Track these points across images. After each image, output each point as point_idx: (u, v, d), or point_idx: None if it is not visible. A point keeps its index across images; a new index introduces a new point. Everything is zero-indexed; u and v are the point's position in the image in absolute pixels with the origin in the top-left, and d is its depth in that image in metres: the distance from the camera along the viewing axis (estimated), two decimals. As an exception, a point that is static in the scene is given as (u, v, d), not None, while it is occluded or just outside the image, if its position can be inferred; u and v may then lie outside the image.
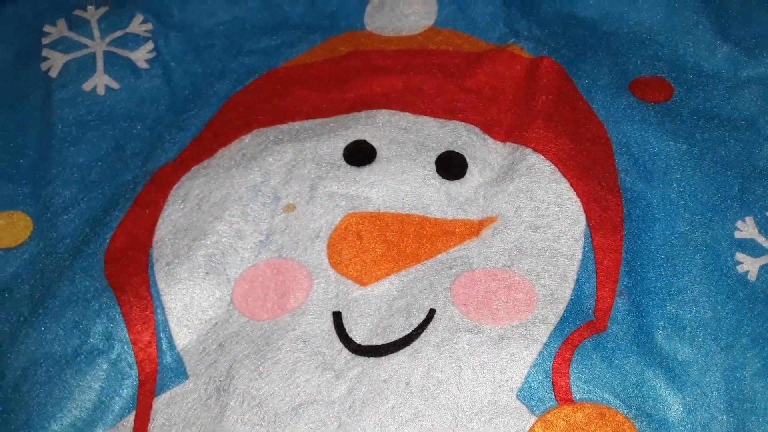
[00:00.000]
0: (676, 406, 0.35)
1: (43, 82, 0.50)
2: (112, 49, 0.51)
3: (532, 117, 0.45)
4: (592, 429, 0.33)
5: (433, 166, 0.43)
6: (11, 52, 0.52)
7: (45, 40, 0.52)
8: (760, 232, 0.40)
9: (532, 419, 0.34)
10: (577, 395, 0.34)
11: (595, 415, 0.34)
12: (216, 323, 0.39)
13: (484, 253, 0.40)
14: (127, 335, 0.38)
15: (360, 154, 0.43)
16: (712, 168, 0.43)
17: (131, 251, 0.41)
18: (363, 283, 0.39)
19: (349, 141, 0.44)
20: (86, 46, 0.51)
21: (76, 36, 0.52)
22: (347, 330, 0.37)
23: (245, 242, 0.41)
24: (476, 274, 0.39)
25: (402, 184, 0.42)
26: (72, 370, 0.37)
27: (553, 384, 0.35)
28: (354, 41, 0.52)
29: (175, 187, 0.44)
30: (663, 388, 0.35)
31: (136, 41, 0.52)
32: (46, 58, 0.51)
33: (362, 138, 0.44)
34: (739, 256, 0.39)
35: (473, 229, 0.41)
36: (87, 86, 0.50)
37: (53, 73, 0.50)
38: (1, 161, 0.47)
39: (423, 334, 0.37)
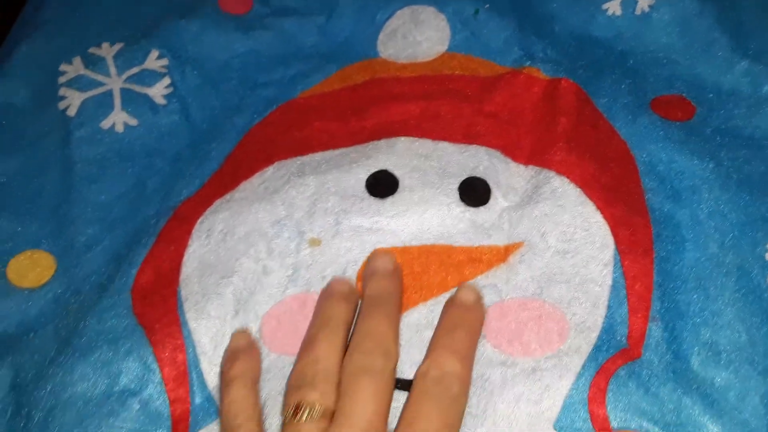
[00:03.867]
0: (716, 432, 0.34)
1: (62, 122, 0.50)
2: (129, 85, 0.51)
3: (554, 139, 0.44)
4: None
5: (456, 194, 0.43)
6: (28, 92, 0.52)
7: (61, 79, 0.52)
8: (790, 253, 0.40)
9: (572, 450, 0.34)
10: (615, 424, 0.34)
11: None
12: None
13: (513, 281, 0.39)
14: (160, 375, 0.37)
15: (382, 186, 0.43)
16: (739, 187, 0.42)
17: (159, 289, 0.41)
18: (391, 314, 0.39)
19: (371, 171, 0.44)
20: (103, 84, 0.52)
21: (93, 74, 0.52)
22: (378, 364, 0.37)
23: (272, 278, 0.41)
24: (506, 305, 0.38)
25: (426, 214, 0.42)
26: (103, 411, 0.37)
27: (590, 414, 0.34)
28: (369, 69, 0.52)
29: (198, 221, 0.43)
30: (702, 415, 0.34)
31: (152, 77, 0.52)
32: (63, 97, 0.51)
33: (384, 167, 0.44)
34: (772, 278, 0.39)
35: (500, 255, 0.40)
36: (105, 124, 0.50)
37: (71, 112, 0.50)
38: (22, 201, 0.47)
39: (455, 370, 0.36)
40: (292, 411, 0.33)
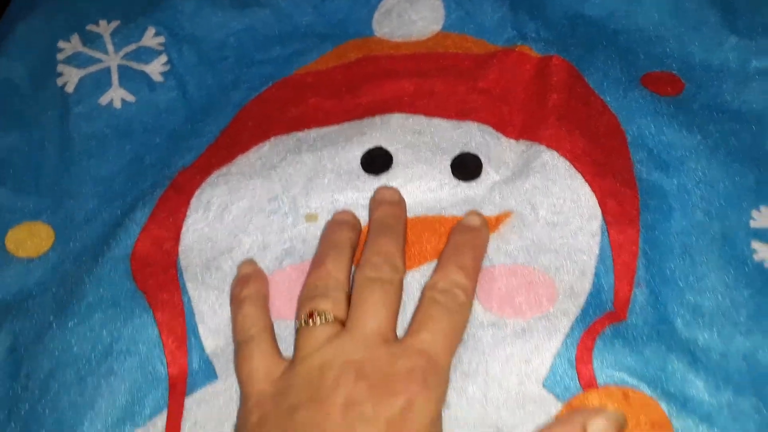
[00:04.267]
0: (701, 386, 0.35)
1: (60, 98, 0.51)
2: (127, 62, 0.52)
3: (545, 115, 0.45)
4: (618, 408, 0.34)
5: (449, 169, 0.44)
6: (27, 70, 0.53)
7: (60, 56, 0.53)
8: (775, 221, 0.41)
9: (560, 405, 0.34)
10: (601, 381, 0.35)
11: (620, 396, 0.34)
12: None
13: (503, 249, 0.40)
14: (159, 338, 0.38)
15: (377, 163, 0.44)
16: (726, 158, 0.43)
17: (158, 258, 0.42)
18: (384, 278, 0.40)
19: (366, 148, 0.45)
20: (101, 61, 0.52)
21: (90, 51, 0.53)
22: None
23: (269, 252, 0.42)
24: (497, 270, 0.39)
25: (419, 190, 0.43)
26: (102, 370, 0.37)
27: (577, 372, 0.35)
28: (364, 47, 0.53)
29: (196, 194, 0.44)
30: (686, 371, 0.35)
31: (149, 54, 0.53)
32: (61, 74, 0.52)
33: (378, 144, 0.45)
34: (755, 244, 0.40)
35: (490, 225, 0.41)
36: (103, 100, 0.51)
37: (69, 89, 0.51)
38: (21, 176, 0.48)
39: (447, 330, 0.37)
40: (305, 318, 0.35)
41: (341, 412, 0.31)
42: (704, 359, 0.36)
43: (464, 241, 0.40)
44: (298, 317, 0.36)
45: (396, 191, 0.43)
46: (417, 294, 0.38)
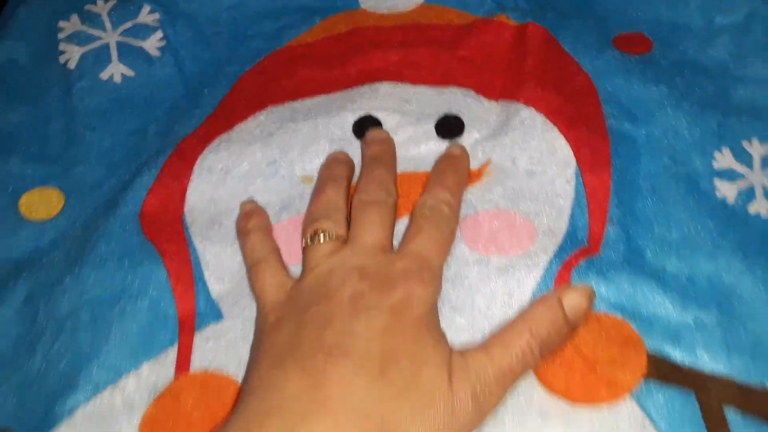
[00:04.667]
0: (669, 306, 0.37)
1: (63, 74, 0.53)
2: (124, 39, 0.54)
3: (523, 78, 0.48)
4: (590, 330, 0.37)
5: (434, 131, 0.47)
6: (29, 49, 0.55)
7: (61, 35, 0.55)
8: (736, 160, 0.43)
9: (539, 332, 0.37)
10: (577, 309, 0.38)
11: (593, 319, 0.37)
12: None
13: (486, 197, 0.43)
14: (168, 282, 0.41)
15: (367, 129, 0.47)
16: (691, 108, 0.46)
17: (165, 215, 0.44)
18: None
19: (357, 115, 0.47)
20: (100, 38, 0.54)
21: (90, 29, 0.55)
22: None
23: (268, 209, 0.44)
24: (480, 216, 0.42)
25: (407, 152, 0.46)
26: (115, 311, 0.40)
27: (555, 302, 0.38)
28: (351, 20, 0.55)
29: (198, 160, 0.47)
30: (655, 294, 0.38)
31: (146, 31, 0.55)
32: (63, 52, 0.54)
33: (368, 112, 0.47)
34: (717, 182, 0.43)
35: (473, 176, 0.44)
36: (104, 75, 0.53)
37: (71, 65, 0.53)
38: (29, 147, 0.50)
39: (436, 269, 0.40)
40: (310, 236, 0.39)
41: (348, 303, 0.35)
42: (672, 283, 0.39)
43: (447, 165, 0.44)
44: (303, 237, 0.40)
45: (385, 132, 0.46)
46: None
